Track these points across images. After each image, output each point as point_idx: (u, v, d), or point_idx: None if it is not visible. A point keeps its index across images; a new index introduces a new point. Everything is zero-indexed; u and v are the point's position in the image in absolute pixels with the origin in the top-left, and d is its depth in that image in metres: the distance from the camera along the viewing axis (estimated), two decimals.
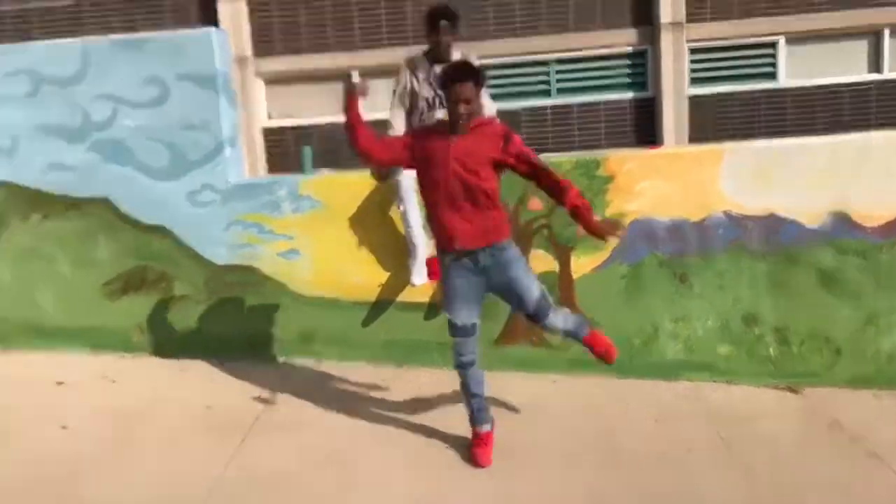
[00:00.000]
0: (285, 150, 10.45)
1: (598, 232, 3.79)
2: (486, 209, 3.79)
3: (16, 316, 5.54)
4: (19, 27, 10.22)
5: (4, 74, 5.36)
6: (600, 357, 4.06)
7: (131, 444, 4.18)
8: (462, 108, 3.72)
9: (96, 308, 5.46)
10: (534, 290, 3.87)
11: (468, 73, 3.76)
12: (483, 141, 3.79)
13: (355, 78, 3.86)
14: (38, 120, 5.36)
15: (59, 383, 4.98)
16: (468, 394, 4.02)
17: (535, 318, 3.92)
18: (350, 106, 3.86)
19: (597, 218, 3.82)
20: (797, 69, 10.31)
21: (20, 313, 5.53)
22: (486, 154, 3.76)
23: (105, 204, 5.39)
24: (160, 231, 5.35)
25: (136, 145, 5.31)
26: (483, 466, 3.94)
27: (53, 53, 5.33)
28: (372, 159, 3.97)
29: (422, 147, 3.83)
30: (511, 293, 3.90)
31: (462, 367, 3.97)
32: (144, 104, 5.27)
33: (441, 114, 4.96)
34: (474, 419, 4.06)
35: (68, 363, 5.27)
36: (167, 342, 5.43)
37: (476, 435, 4.06)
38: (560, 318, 3.97)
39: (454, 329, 3.92)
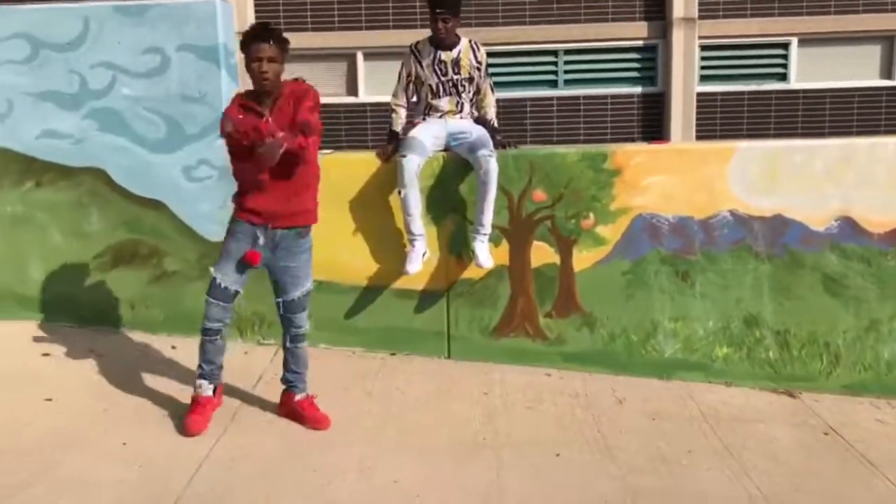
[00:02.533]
0: None
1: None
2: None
3: (4, 284, 5.43)
4: None
5: (2, 37, 5.22)
6: (308, 423, 4.08)
7: (116, 419, 4.10)
8: (265, 66, 3.66)
9: (86, 280, 5.36)
10: (306, 284, 3.97)
11: (267, 32, 3.74)
12: (290, 109, 3.76)
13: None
14: (35, 85, 5.23)
15: (45, 355, 4.89)
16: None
17: (294, 308, 3.96)
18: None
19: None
20: (809, 71, 10.20)
21: (8, 282, 5.42)
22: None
23: (99, 174, 5.28)
24: (154, 205, 5.24)
25: (133, 116, 5.19)
26: (194, 433, 3.88)
27: (53, 17, 5.20)
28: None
29: (240, 127, 3.72)
30: (283, 279, 3.94)
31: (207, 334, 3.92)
32: (143, 74, 5.14)
33: (445, 101, 4.88)
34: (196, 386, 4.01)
35: (56, 335, 5.18)
36: (157, 318, 5.33)
37: (195, 400, 3.99)
38: (307, 325, 4.03)
39: (214, 289, 3.87)
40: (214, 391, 4.04)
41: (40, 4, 5.29)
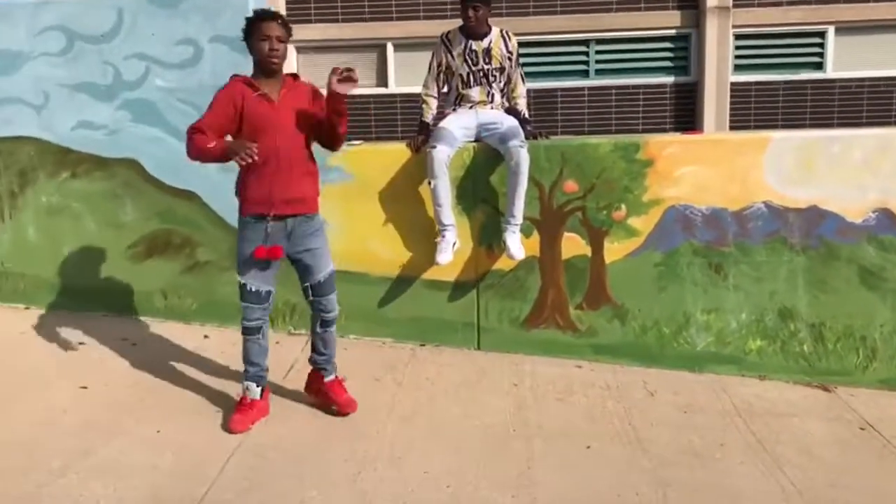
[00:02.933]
0: None
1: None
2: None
3: (40, 273, 5.54)
4: None
5: (38, 30, 5.31)
6: (336, 406, 4.12)
7: (149, 407, 4.15)
8: (276, 45, 3.73)
9: (120, 270, 5.44)
10: (330, 265, 4.01)
11: (274, 12, 3.81)
12: (301, 96, 3.86)
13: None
14: (70, 77, 5.32)
15: (81, 343, 4.97)
16: None
17: (324, 290, 3.98)
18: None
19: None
20: (845, 60, 10.01)
21: (44, 271, 5.52)
22: (309, 109, 3.86)
23: (133, 165, 5.35)
24: (187, 195, 5.30)
25: (167, 106, 5.25)
26: (235, 432, 3.88)
27: (87, 9, 5.27)
28: (203, 152, 3.75)
29: (247, 108, 3.74)
30: (308, 262, 3.94)
31: (248, 332, 3.97)
32: (177, 65, 5.20)
33: (476, 91, 4.86)
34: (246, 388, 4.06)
35: (90, 324, 5.26)
36: (189, 308, 5.39)
37: (242, 400, 4.03)
38: (337, 309, 4.07)
39: (249, 294, 3.90)
40: (262, 393, 4.06)
41: None
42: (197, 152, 3.74)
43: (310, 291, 3.99)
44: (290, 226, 3.86)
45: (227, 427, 3.92)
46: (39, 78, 5.34)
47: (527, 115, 5.05)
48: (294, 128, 3.82)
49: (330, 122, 3.83)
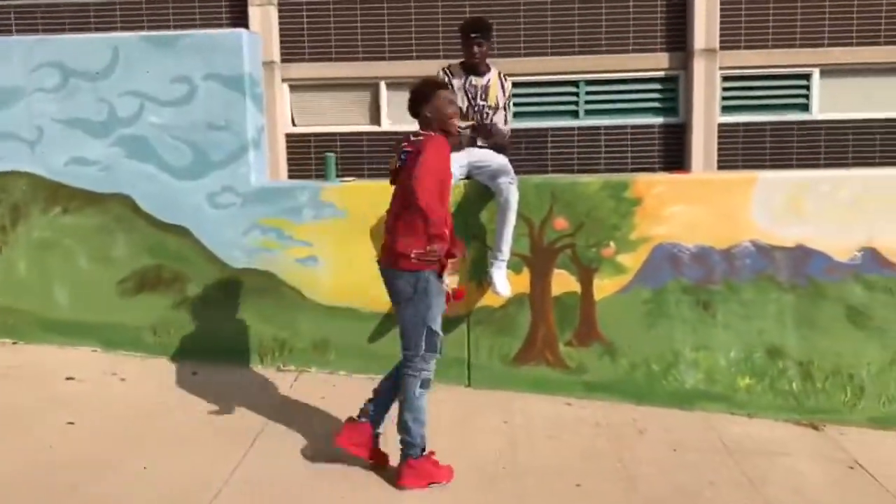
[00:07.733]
0: (307, 157, 10.43)
1: None
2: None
3: (29, 308, 5.52)
4: (50, 21, 10.30)
5: (34, 66, 5.36)
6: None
7: (137, 443, 4.12)
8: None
9: (110, 305, 5.42)
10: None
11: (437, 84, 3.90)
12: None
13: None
14: (64, 113, 5.35)
15: (69, 378, 4.94)
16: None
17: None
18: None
19: None
20: (831, 102, 10.17)
21: (34, 306, 5.51)
22: None
23: (125, 200, 5.37)
24: (178, 231, 5.31)
25: (160, 143, 5.29)
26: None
27: (83, 47, 5.33)
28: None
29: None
30: None
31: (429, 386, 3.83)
32: (170, 102, 5.24)
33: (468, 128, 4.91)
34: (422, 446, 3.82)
35: (79, 359, 5.24)
36: (179, 344, 5.37)
37: (435, 463, 3.83)
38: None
39: (440, 343, 3.80)
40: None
41: (72, 35, 5.41)
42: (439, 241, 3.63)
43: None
44: None
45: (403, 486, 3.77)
46: (33, 113, 5.38)
47: (493, 132, 4.87)
48: None
49: None
